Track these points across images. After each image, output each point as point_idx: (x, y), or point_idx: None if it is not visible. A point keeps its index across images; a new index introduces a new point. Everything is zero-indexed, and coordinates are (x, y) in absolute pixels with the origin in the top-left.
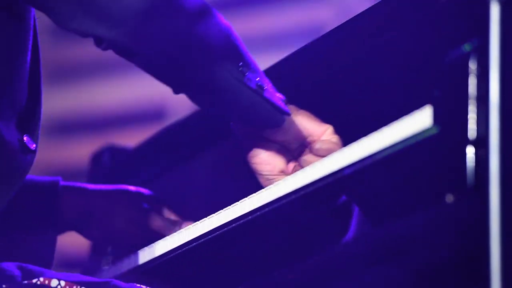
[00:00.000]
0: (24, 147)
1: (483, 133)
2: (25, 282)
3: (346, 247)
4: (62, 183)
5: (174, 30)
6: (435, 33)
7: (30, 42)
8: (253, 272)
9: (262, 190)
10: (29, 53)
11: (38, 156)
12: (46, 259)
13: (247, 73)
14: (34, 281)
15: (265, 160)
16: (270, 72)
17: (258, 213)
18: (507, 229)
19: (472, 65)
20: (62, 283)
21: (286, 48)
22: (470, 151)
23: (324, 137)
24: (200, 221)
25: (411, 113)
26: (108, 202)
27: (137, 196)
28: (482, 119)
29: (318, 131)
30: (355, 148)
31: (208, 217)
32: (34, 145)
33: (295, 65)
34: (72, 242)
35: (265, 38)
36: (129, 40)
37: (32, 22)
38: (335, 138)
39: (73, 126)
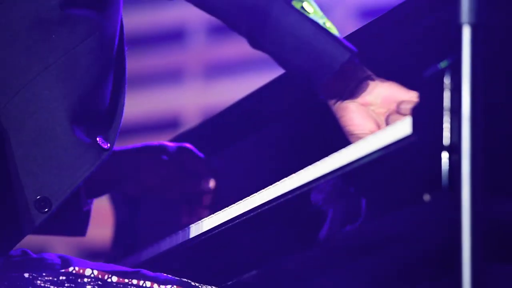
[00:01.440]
0: (99, 147)
1: (456, 140)
2: (63, 270)
3: (338, 240)
4: None
5: None
6: (416, 52)
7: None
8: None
9: (264, 189)
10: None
11: None
12: (82, 223)
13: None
14: (70, 269)
15: (357, 122)
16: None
17: (266, 207)
18: (476, 224)
19: (447, 81)
20: (95, 272)
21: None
22: (444, 156)
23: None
24: (212, 215)
25: (393, 123)
26: (133, 157)
27: (158, 149)
28: (455, 128)
29: (407, 96)
30: (345, 152)
31: (216, 213)
32: (108, 145)
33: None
34: (95, 234)
35: None
36: None
37: (118, 28)
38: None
39: None
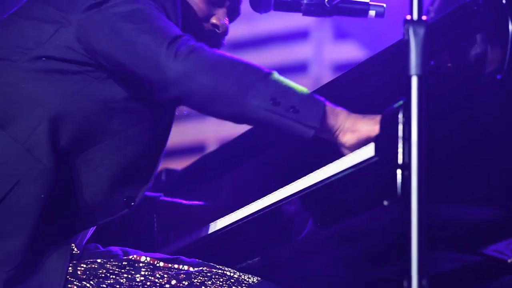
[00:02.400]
0: (126, 203)
1: (407, 160)
2: (125, 257)
3: (320, 234)
4: (159, 198)
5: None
6: (377, 96)
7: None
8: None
9: (259, 199)
10: (156, 140)
11: None
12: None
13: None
14: (130, 257)
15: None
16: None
17: (275, 206)
18: (421, 222)
19: (400, 116)
20: (148, 258)
21: None
22: (399, 172)
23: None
24: (225, 217)
25: (361, 148)
26: (188, 211)
27: (201, 207)
28: (406, 152)
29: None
30: (326, 169)
31: (229, 214)
32: (133, 203)
33: None
34: None
35: None
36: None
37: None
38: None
39: None
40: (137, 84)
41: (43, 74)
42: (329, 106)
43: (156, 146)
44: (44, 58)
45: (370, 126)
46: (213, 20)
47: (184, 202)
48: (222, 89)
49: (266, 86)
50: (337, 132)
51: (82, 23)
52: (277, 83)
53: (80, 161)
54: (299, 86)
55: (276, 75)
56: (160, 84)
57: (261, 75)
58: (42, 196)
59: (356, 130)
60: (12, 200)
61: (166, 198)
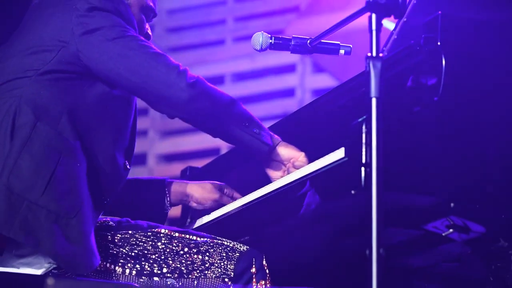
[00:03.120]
0: (125, 167)
1: (369, 160)
2: (149, 229)
3: (304, 214)
4: (168, 180)
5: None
6: (345, 112)
7: (133, 113)
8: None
9: (269, 184)
10: (132, 118)
11: (163, 171)
12: (163, 218)
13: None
14: (153, 229)
15: (273, 172)
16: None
17: (265, 197)
18: (379, 206)
19: (363, 127)
20: (166, 230)
21: None
22: (362, 169)
23: (300, 159)
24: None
25: (334, 151)
26: (197, 188)
27: (213, 184)
28: (368, 153)
29: (297, 155)
30: (308, 167)
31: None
32: (129, 167)
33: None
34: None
35: None
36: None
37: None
38: (305, 159)
39: (174, 157)
40: (129, 92)
41: (54, 82)
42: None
43: (133, 125)
44: (52, 73)
45: (288, 150)
46: (148, 31)
47: (187, 181)
48: (217, 114)
49: (241, 114)
50: (274, 151)
51: (79, 46)
52: (246, 113)
53: (92, 138)
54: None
55: (243, 106)
56: (171, 102)
57: (238, 106)
58: (79, 165)
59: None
60: (62, 168)
61: (173, 179)
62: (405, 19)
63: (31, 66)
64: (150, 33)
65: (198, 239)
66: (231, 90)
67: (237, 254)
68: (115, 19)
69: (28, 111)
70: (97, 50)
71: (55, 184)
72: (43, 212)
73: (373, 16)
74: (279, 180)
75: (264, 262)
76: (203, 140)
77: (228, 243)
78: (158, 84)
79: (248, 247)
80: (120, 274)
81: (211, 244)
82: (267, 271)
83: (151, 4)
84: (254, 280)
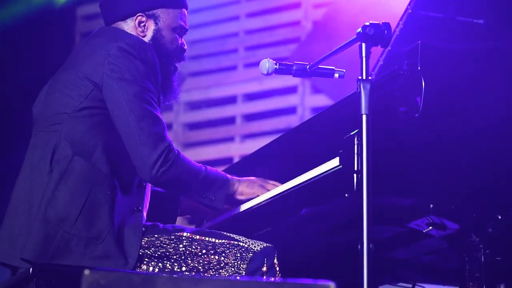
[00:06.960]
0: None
1: (360, 168)
2: (173, 233)
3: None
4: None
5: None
6: (341, 125)
7: None
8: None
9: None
10: None
11: None
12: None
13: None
14: (177, 233)
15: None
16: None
17: (270, 199)
18: (369, 208)
19: (356, 140)
20: (188, 234)
21: None
22: (355, 175)
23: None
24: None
25: (331, 160)
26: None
27: None
28: (360, 162)
29: (259, 191)
30: (308, 174)
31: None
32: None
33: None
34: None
35: None
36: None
37: None
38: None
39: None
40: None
41: (89, 118)
42: (232, 180)
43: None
44: (87, 109)
45: (249, 189)
46: (183, 46)
47: None
48: (188, 189)
49: (203, 186)
50: (235, 195)
51: (103, 88)
52: (207, 183)
53: (121, 165)
54: (219, 175)
55: (209, 174)
56: (140, 171)
57: (203, 178)
58: (108, 192)
59: (244, 192)
60: (93, 197)
61: None
62: (389, 48)
63: (69, 102)
64: (185, 47)
65: (216, 241)
66: (242, 108)
67: (251, 254)
68: (140, 67)
69: (66, 145)
70: (111, 94)
71: (86, 213)
72: (74, 239)
73: (363, 45)
74: (282, 186)
75: (275, 261)
76: (218, 151)
77: (244, 244)
78: (135, 150)
79: (262, 247)
80: (144, 270)
81: (227, 245)
82: (278, 268)
83: (182, 23)
84: (264, 278)
